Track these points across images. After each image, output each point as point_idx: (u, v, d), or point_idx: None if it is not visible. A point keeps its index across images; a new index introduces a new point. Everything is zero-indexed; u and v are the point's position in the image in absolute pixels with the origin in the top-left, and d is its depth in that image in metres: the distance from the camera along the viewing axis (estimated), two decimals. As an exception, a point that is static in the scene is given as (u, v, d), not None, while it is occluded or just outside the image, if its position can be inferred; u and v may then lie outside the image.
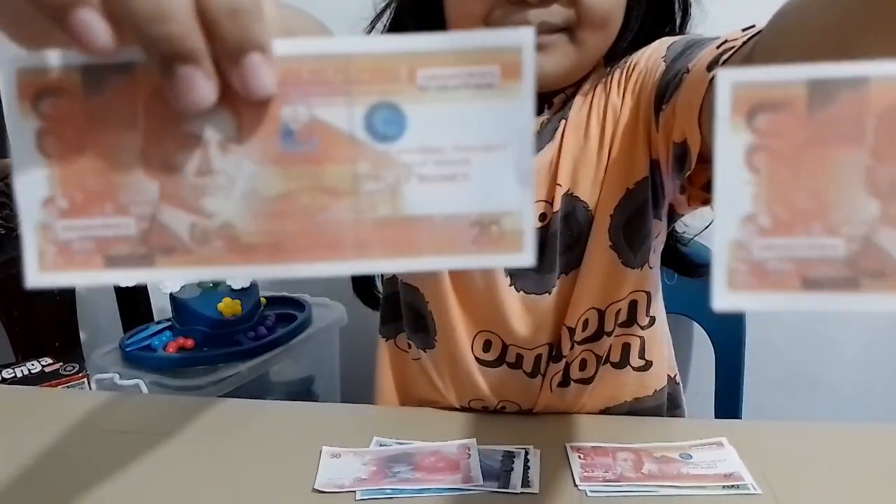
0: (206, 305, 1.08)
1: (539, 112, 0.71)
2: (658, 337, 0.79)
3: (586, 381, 0.76)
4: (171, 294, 1.09)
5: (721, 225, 0.24)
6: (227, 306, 1.07)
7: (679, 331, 1.31)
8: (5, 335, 1.13)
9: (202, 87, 0.23)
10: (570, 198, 0.71)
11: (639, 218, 0.69)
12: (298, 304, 1.21)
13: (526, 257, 0.26)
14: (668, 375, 0.82)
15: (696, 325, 1.28)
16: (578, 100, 0.71)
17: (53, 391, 0.90)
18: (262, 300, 1.15)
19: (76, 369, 0.94)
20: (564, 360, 0.75)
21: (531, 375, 0.76)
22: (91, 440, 0.72)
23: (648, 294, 0.75)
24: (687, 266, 0.80)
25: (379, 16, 0.76)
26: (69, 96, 0.24)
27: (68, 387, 0.92)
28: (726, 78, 0.24)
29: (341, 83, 0.24)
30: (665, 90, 0.59)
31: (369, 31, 0.75)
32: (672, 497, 0.61)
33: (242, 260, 0.25)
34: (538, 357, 0.75)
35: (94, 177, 0.24)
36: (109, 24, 0.22)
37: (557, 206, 0.70)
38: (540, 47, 0.63)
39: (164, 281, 0.32)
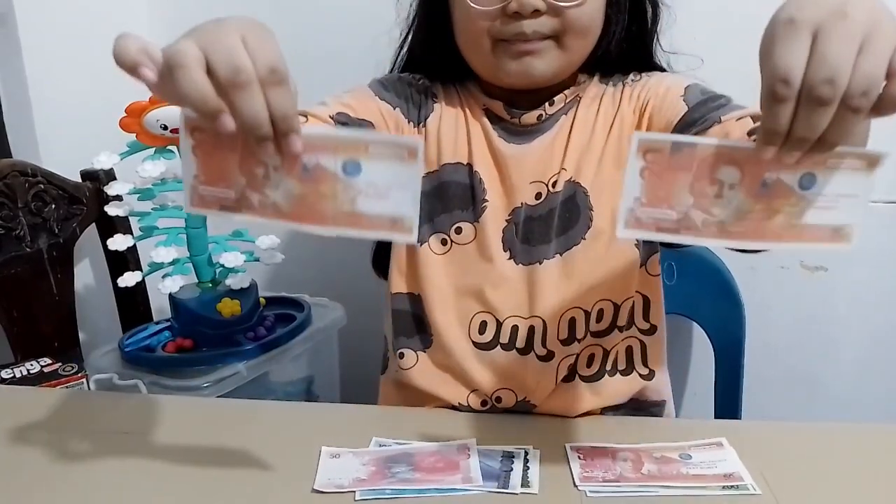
0: (205, 306, 1.07)
1: (539, 107, 0.81)
2: (659, 348, 0.84)
3: (590, 379, 0.80)
4: (169, 294, 1.09)
5: (624, 199, 0.50)
6: (227, 306, 1.07)
7: (679, 331, 1.31)
8: (4, 335, 1.12)
9: (270, 149, 0.48)
10: (572, 184, 0.79)
11: None
12: (298, 305, 1.21)
13: (412, 238, 0.50)
14: (664, 399, 0.87)
15: (696, 325, 1.28)
16: (586, 101, 0.82)
17: (52, 391, 0.90)
18: (262, 300, 1.15)
19: (75, 369, 0.94)
20: (576, 352, 0.79)
21: (523, 352, 0.79)
22: (90, 440, 0.72)
23: (649, 298, 0.82)
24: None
25: (406, 37, 0.88)
26: (206, 132, 0.50)
27: (67, 387, 0.92)
28: (637, 136, 0.49)
29: (332, 149, 0.50)
30: (689, 127, 0.71)
31: (399, 46, 0.89)
32: (672, 497, 0.61)
33: (280, 218, 0.51)
34: (531, 330, 0.79)
35: (216, 169, 0.50)
36: (235, 120, 0.46)
37: (559, 187, 0.80)
38: (531, 53, 0.75)
39: (243, 222, 0.50)
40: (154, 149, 1.03)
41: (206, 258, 1.10)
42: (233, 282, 1.11)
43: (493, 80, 0.80)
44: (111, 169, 1.14)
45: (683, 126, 0.72)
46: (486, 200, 0.80)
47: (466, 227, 0.81)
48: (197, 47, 0.45)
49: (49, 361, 0.96)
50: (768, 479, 0.63)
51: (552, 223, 0.79)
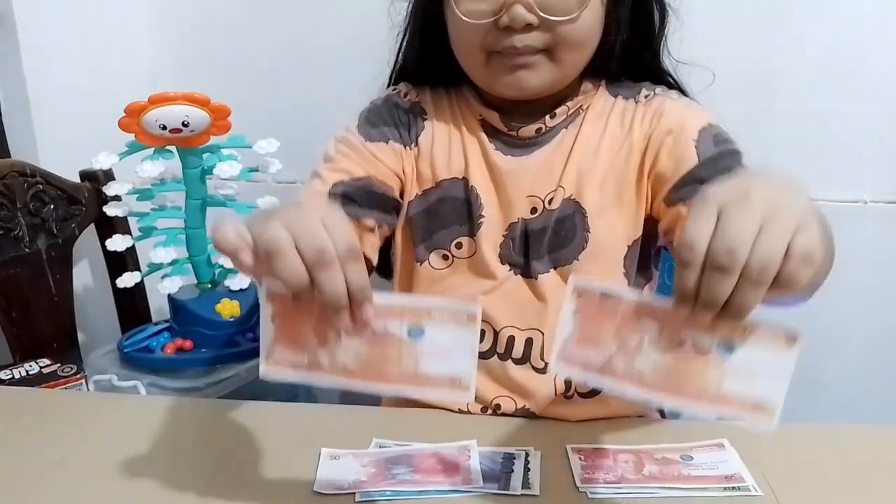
0: (204, 306, 1.07)
1: (538, 119, 0.80)
2: None
3: (587, 395, 0.80)
4: (169, 295, 1.09)
5: (558, 335, 0.52)
6: (226, 307, 1.07)
7: (679, 331, 1.31)
8: (3, 336, 1.12)
9: (346, 317, 0.50)
10: (572, 202, 0.78)
11: (644, 249, 0.81)
12: (297, 305, 1.20)
13: (470, 396, 0.53)
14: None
15: (696, 325, 1.27)
16: (592, 116, 0.80)
17: (51, 392, 0.89)
18: (261, 301, 1.15)
19: (74, 370, 0.94)
20: None
21: (519, 362, 0.79)
22: (89, 441, 0.72)
23: None
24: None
25: (401, 46, 0.87)
26: (285, 301, 0.52)
27: (66, 388, 0.92)
28: (573, 279, 0.52)
29: (399, 314, 0.52)
30: (689, 184, 0.73)
31: (396, 56, 0.88)
32: (673, 498, 0.61)
33: (347, 377, 0.53)
34: (528, 342, 0.79)
35: (291, 334, 0.53)
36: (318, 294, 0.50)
37: (555, 205, 0.78)
38: (524, 66, 0.74)
39: (314, 384, 0.55)
40: (153, 149, 1.03)
41: (206, 258, 1.10)
42: (232, 282, 1.11)
43: (489, 91, 0.80)
44: (110, 169, 1.14)
45: (691, 181, 0.73)
46: (483, 216, 0.80)
47: (466, 242, 0.81)
48: (286, 231, 0.49)
49: (48, 362, 0.95)
50: (770, 480, 0.63)
51: (544, 239, 0.79)
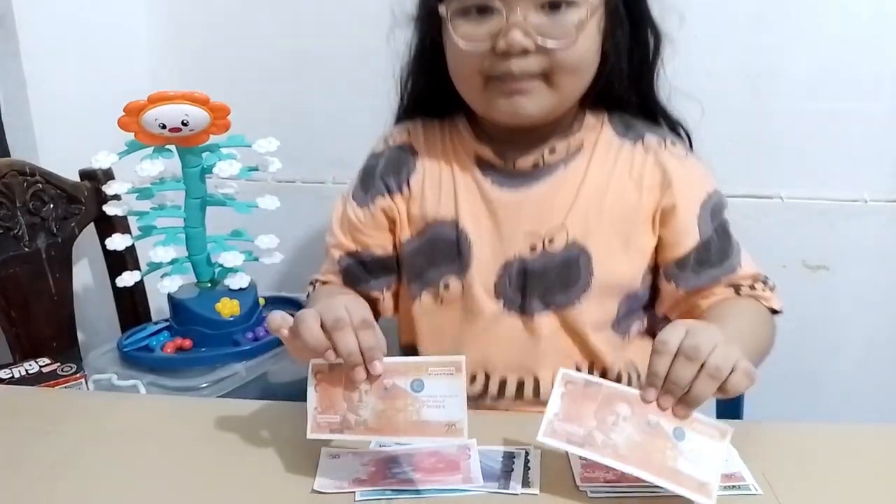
0: (204, 305, 1.07)
1: (535, 151, 0.80)
2: None
3: None
4: (168, 294, 1.08)
5: (547, 412, 0.61)
6: (226, 306, 1.07)
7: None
8: (3, 335, 1.12)
9: (361, 373, 0.62)
10: (576, 247, 0.79)
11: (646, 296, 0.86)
12: (297, 304, 1.20)
13: (464, 438, 0.62)
14: None
15: (695, 325, 1.27)
16: (600, 155, 0.80)
17: (51, 391, 0.89)
18: (261, 300, 1.15)
19: (74, 369, 0.94)
20: None
21: (515, 398, 0.82)
22: (88, 441, 0.72)
23: (637, 368, 0.84)
24: None
25: (409, 72, 0.88)
26: (324, 371, 0.64)
27: (66, 387, 0.92)
28: (562, 371, 0.62)
29: (403, 372, 0.63)
30: (687, 265, 0.80)
31: (403, 86, 0.89)
32: (674, 498, 0.60)
33: (368, 433, 0.63)
34: (521, 383, 0.81)
35: (327, 400, 0.64)
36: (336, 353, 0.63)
37: (557, 245, 0.78)
38: (521, 91, 0.74)
39: (343, 442, 0.69)
40: (152, 148, 1.02)
41: (205, 258, 1.10)
42: (232, 281, 1.10)
43: (487, 117, 0.80)
44: (109, 168, 1.14)
45: (689, 264, 0.80)
46: (473, 256, 0.80)
47: (454, 283, 0.82)
48: (315, 312, 0.63)
49: (48, 362, 0.95)
50: (770, 479, 0.63)
51: (545, 280, 0.79)
